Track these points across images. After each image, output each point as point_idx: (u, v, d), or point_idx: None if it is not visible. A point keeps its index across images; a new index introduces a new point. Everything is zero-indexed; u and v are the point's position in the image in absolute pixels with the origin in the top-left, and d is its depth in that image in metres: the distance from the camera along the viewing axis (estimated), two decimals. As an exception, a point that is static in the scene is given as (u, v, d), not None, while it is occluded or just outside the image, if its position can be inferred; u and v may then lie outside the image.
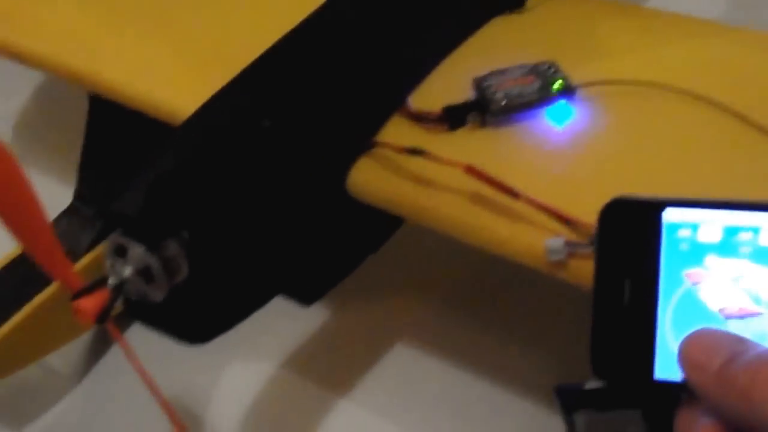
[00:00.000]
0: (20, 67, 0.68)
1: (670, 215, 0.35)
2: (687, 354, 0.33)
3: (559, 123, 0.52)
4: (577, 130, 0.52)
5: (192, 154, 0.41)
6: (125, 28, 0.61)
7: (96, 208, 0.65)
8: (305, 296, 0.54)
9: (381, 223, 0.52)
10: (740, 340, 0.33)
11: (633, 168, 0.50)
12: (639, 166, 0.50)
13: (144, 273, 0.40)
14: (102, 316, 0.39)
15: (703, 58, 0.55)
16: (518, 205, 0.46)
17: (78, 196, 0.66)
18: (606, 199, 0.48)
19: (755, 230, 0.34)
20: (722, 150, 0.50)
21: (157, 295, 0.41)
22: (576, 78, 0.53)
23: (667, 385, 0.34)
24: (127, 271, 0.40)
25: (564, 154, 0.51)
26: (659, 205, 0.35)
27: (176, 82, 0.56)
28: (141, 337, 0.64)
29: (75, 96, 0.71)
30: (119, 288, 0.40)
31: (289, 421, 0.60)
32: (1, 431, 0.62)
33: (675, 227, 0.34)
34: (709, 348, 0.33)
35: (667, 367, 0.34)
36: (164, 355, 0.63)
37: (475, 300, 0.66)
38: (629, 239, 0.35)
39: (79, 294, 0.39)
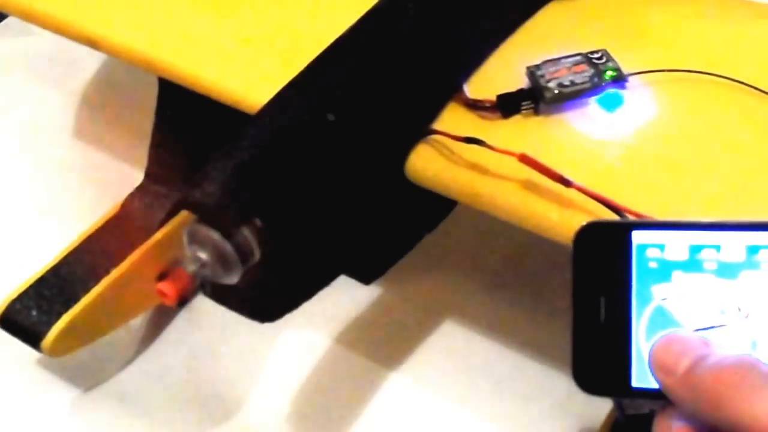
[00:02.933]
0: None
1: (639, 237, 0.37)
2: (656, 358, 0.35)
3: (610, 110, 0.54)
4: (628, 117, 0.54)
5: (263, 149, 0.44)
6: (193, 16, 0.63)
7: (167, 186, 0.69)
8: (365, 275, 0.57)
9: (438, 204, 0.54)
10: (705, 344, 0.35)
11: (682, 157, 0.52)
12: (688, 155, 0.52)
13: (220, 258, 0.44)
14: (182, 300, 0.42)
15: (757, 46, 0.56)
16: (570, 193, 0.48)
17: (149, 174, 0.70)
18: (655, 185, 0.51)
19: (717, 248, 0.36)
20: (763, 143, 0.52)
21: (232, 278, 0.44)
22: (627, 66, 0.55)
23: (644, 393, 0.37)
24: (204, 256, 0.43)
25: (615, 142, 0.53)
26: (628, 227, 0.38)
27: (242, 70, 0.59)
28: (204, 308, 0.67)
29: (145, 76, 0.74)
30: (197, 273, 0.43)
31: (339, 390, 0.63)
32: (64, 396, 0.66)
33: (644, 247, 0.37)
34: (676, 352, 0.35)
35: (643, 377, 0.37)
36: (225, 324, 0.66)
37: (520, 278, 0.68)
38: (603, 260, 0.38)
39: (161, 276, 0.42)
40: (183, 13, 0.63)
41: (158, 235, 0.66)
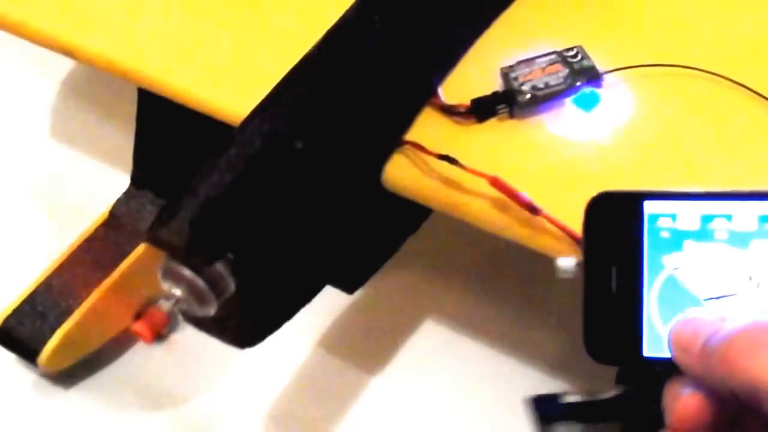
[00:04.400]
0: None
1: (650, 206, 0.37)
2: (675, 339, 0.35)
3: (587, 110, 0.53)
4: (605, 116, 0.53)
5: (230, 184, 0.44)
6: (170, 26, 0.63)
7: (153, 191, 0.69)
8: (349, 285, 0.57)
9: (420, 207, 0.54)
10: (721, 319, 0.35)
11: (661, 152, 0.51)
12: (666, 153, 0.51)
13: (194, 294, 0.44)
14: (158, 337, 0.43)
15: (733, 38, 0.55)
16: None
17: (135, 179, 0.70)
18: (635, 184, 0.50)
19: (728, 217, 0.36)
20: (750, 133, 0.51)
21: (208, 311, 0.45)
22: (603, 61, 0.54)
23: (655, 362, 0.37)
24: (179, 292, 0.44)
25: (592, 143, 0.52)
26: (640, 197, 0.37)
27: (222, 79, 0.58)
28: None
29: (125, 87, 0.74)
30: (172, 310, 0.43)
31: (321, 392, 0.65)
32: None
33: (655, 217, 0.37)
34: (693, 330, 0.35)
35: (654, 346, 0.37)
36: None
37: (500, 277, 0.69)
38: (614, 230, 0.37)
39: (137, 317, 0.42)
40: (160, 22, 0.62)
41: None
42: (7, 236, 0.76)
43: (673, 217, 0.37)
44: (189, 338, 0.65)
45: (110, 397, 0.65)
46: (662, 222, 0.37)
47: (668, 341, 0.36)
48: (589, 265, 0.38)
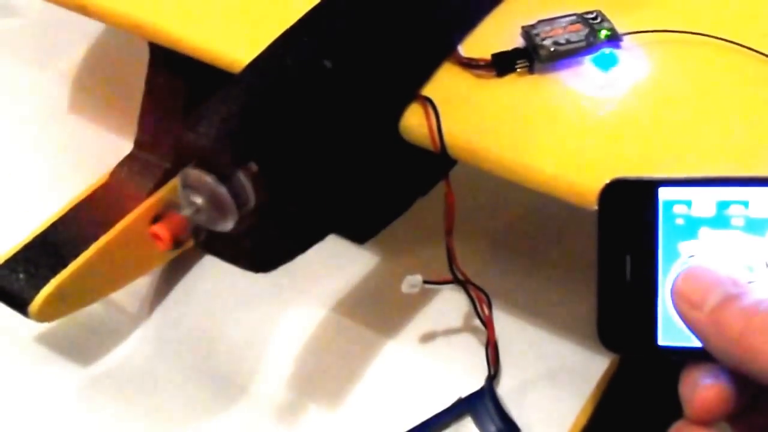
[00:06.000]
0: (77, 21, 0.71)
1: (665, 193, 0.37)
2: (681, 290, 0.35)
3: (605, 70, 0.54)
4: (622, 77, 0.54)
5: (261, 92, 0.43)
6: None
7: (156, 155, 0.69)
8: (359, 235, 0.56)
9: (431, 167, 0.54)
10: (735, 283, 0.34)
11: (677, 117, 0.52)
12: (683, 115, 0.52)
13: (215, 202, 0.43)
14: (177, 242, 0.42)
15: (758, 8, 0.57)
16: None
17: (138, 143, 0.69)
18: (649, 144, 0.51)
19: (745, 204, 0.36)
20: (763, 105, 0.52)
21: (227, 225, 0.44)
22: (622, 26, 0.55)
23: (670, 351, 0.36)
24: (199, 200, 0.43)
25: (609, 100, 0.53)
26: (655, 184, 0.37)
27: (235, 32, 0.59)
28: (209, 287, 0.68)
29: (133, 50, 0.74)
30: (192, 217, 0.43)
31: (338, 356, 0.64)
32: (68, 369, 0.66)
33: (671, 204, 0.37)
34: (704, 285, 0.34)
35: (669, 335, 0.36)
36: (230, 303, 0.68)
37: (519, 245, 0.69)
38: (628, 217, 0.37)
39: (155, 220, 0.41)
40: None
41: (149, 201, 0.66)
42: (7, 193, 0.75)
43: (689, 203, 0.36)
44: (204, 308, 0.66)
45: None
46: (677, 209, 0.37)
47: (673, 292, 0.35)
48: (603, 252, 0.37)
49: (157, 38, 0.62)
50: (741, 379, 0.33)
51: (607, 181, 0.38)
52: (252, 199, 0.44)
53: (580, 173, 0.49)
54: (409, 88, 0.52)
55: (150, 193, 0.67)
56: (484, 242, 0.68)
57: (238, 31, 0.59)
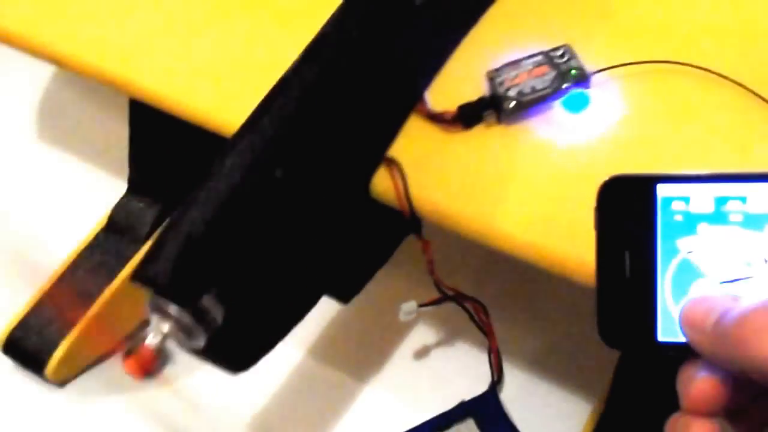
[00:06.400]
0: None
1: (663, 190, 0.37)
2: (686, 316, 0.35)
3: (575, 111, 0.52)
4: (594, 118, 0.52)
5: (212, 220, 0.43)
6: (161, 36, 0.62)
7: (150, 195, 0.69)
8: (344, 295, 0.57)
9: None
10: (734, 299, 0.34)
11: (653, 150, 0.50)
12: (658, 149, 0.50)
13: (182, 329, 0.44)
14: (148, 371, 0.43)
15: (721, 32, 0.54)
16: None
17: (132, 185, 0.70)
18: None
19: (743, 199, 0.36)
20: (739, 128, 0.50)
21: (197, 344, 0.45)
22: (592, 59, 0.53)
23: (669, 347, 0.36)
24: (166, 328, 0.44)
25: (583, 145, 0.51)
26: (653, 181, 0.37)
27: (209, 89, 0.58)
28: None
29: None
30: (161, 345, 0.44)
31: (312, 401, 0.66)
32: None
33: (669, 200, 0.37)
34: (705, 308, 0.34)
35: (668, 331, 0.36)
36: None
37: (493, 282, 0.68)
38: (627, 214, 0.37)
39: (127, 353, 0.43)
40: (149, 32, 0.61)
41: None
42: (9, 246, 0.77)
43: (687, 200, 0.36)
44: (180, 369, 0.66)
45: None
46: (676, 205, 0.36)
47: (679, 319, 0.35)
48: (602, 249, 0.37)
49: (133, 95, 0.62)
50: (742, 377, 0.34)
51: (606, 179, 0.38)
52: (218, 317, 0.45)
53: (552, 239, 0.48)
54: (378, 151, 0.52)
55: (151, 233, 0.68)
56: (480, 251, 0.67)
57: (214, 88, 0.58)
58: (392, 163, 0.52)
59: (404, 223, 0.54)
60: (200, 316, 0.44)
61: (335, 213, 0.51)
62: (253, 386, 0.65)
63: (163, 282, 0.43)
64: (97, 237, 0.69)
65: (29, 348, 0.64)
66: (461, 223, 0.51)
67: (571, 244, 0.48)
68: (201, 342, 0.45)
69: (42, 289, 0.67)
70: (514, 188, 0.50)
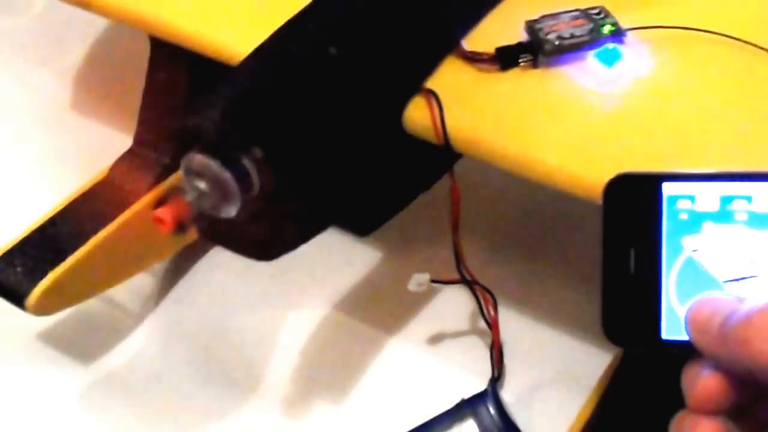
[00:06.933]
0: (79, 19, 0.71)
1: (669, 188, 0.37)
2: (692, 319, 0.35)
3: (608, 65, 0.54)
4: (626, 72, 0.54)
5: (265, 77, 0.43)
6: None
7: (155, 151, 0.68)
8: (361, 227, 0.56)
9: (433, 161, 0.54)
10: (739, 300, 0.34)
11: (678, 111, 0.52)
12: (684, 109, 0.52)
13: (218, 187, 0.43)
14: (180, 227, 0.42)
15: (755, 4, 0.57)
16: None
17: (138, 139, 0.69)
18: (651, 137, 0.51)
19: (748, 198, 0.36)
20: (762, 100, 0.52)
21: (231, 210, 0.43)
22: (625, 22, 0.55)
23: (674, 345, 0.36)
24: (203, 185, 0.43)
25: (612, 95, 0.53)
26: (659, 179, 0.37)
27: (237, 24, 0.58)
28: (212, 286, 0.68)
29: (133, 49, 0.74)
30: (195, 202, 0.42)
31: (342, 356, 0.64)
32: (69, 369, 0.65)
33: (674, 199, 0.37)
34: (710, 311, 0.34)
35: (673, 329, 0.36)
36: (233, 304, 0.67)
37: (523, 241, 0.69)
38: (632, 212, 0.37)
39: (159, 204, 0.41)
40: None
41: (149, 196, 0.65)
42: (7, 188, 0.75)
43: (692, 198, 0.37)
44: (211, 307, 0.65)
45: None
46: (681, 204, 0.37)
47: (685, 321, 0.35)
48: (607, 247, 0.37)
49: (158, 31, 0.62)
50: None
51: (612, 177, 0.38)
52: (256, 184, 0.44)
53: (583, 166, 0.49)
54: (413, 80, 0.52)
55: (149, 189, 0.66)
56: (488, 242, 0.68)
57: (240, 24, 0.59)
58: (429, 93, 0.52)
59: (433, 166, 0.54)
60: (239, 177, 0.43)
61: (371, 130, 0.51)
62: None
63: (209, 129, 0.42)
64: (95, 186, 0.67)
65: (11, 279, 0.61)
66: (494, 151, 0.51)
67: (604, 175, 0.48)
68: (234, 208, 0.44)
69: (31, 227, 0.64)
70: (546, 121, 0.52)
